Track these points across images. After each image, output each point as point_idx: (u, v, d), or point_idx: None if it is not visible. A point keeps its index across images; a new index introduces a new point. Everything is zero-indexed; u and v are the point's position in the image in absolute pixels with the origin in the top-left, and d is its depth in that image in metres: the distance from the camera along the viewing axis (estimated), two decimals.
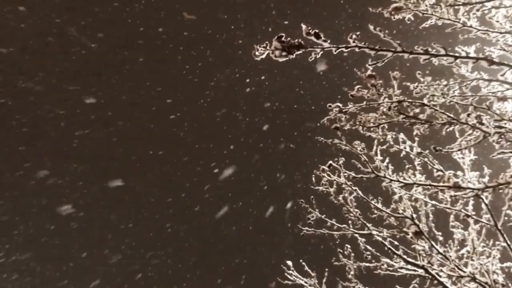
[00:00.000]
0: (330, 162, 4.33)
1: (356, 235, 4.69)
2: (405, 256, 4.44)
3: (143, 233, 17.93)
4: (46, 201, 17.15)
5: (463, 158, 4.42)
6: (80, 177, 17.23)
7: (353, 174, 4.12)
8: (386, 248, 4.49)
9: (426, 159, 4.30)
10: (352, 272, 4.92)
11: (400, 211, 4.38)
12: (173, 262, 17.84)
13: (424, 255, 4.35)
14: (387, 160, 4.21)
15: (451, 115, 3.66)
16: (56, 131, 16.90)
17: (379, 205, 4.49)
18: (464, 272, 4.12)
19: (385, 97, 3.52)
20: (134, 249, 17.82)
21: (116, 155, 17.42)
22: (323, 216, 4.80)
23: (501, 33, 3.62)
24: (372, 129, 3.78)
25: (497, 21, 3.70)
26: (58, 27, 15.94)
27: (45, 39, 16.01)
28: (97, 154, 17.34)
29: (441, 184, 3.56)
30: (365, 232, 4.61)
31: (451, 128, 3.75)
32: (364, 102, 3.55)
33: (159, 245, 17.84)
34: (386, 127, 3.81)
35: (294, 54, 2.37)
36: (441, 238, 4.56)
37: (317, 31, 2.40)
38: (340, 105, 3.48)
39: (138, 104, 17.32)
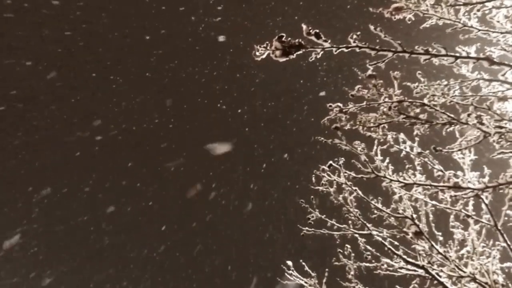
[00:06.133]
0: (330, 162, 4.33)
1: (356, 235, 4.69)
2: (405, 256, 4.43)
3: (141, 231, 17.94)
4: None
5: (463, 158, 4.41)
6: None
7: (353, 174, 4.12)
8: (386, 248, 4.49)
9: (426, 159, 4.29)
10: (352, 272, 4.92)
11: (400, 211, 4.37)
12: (171, 263, 17.85)
13: (424, 255, 4.34)
14: (387, 160, 4.21)
15: (452, 115, 3.66)
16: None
17: (379, 205, 4.49)
18: (464, 272, 4.12)
19: (385, 97, 3.52)
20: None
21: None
22: (323, 216, 4.79)
23: (501, 33, 3.62)
24: (372, 129, 3.78)
25: (498, 21, 3.69)
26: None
27: None
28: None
29: (441, 184, 3.56)
30: (365, 232, 4.61)
31: (451, 128, 3.75)
32: (365, 102, 3.55)
33: (155, 245, 17.86)
34: (386, 127, 3.81)
35: (295, 54, 2.37)
36: (441, 238, 4.55)
37: (317, 31, 2.39)
38: (341, 105, 3.48)
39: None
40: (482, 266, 4.14)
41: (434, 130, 3.74)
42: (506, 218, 4.03)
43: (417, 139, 4.25)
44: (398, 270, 4.58)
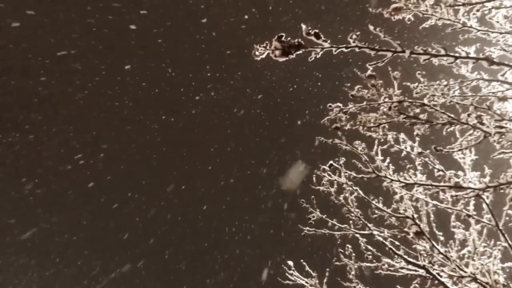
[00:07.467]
0: (331, 162, 4.35)
1: (357, 235, 4.69)
2: (406, 256, 4.44)
3: (141, 233, 17.96)
4: None
5: (463, 158, 4.41)
6: None
7: (354, 174, 4.13)
8: (387, 248, 4.49)
9: (427, 159, 4.30)
10: (353, 272, 4.92)
11: (401, 211, 4.37)
12: (172, 263, 17.86)
13: (425, 255, 4.35)
14: (387, 160, 4.22)
15: (452, 115, 3.66)
16: None
17: (380, 205, 4.49)
18: (465, 272, 4.12)
19: (385, 97, 3.53)
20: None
21: None
22: (324, 216, 4.80)
23: (501, 33, 3.62)
24: (372, 129, 3.78)
25: (497, 22, 3.70)
26: None
27: None
28: None
29: (442, 184, 3.56)
30: (366, 232, 4.61)
31: (451, 128, 3.75)
32: (365, 102, 3.56)
33: (158, 247, 17.88)
34: (387, 127, 3.81)
35: (294, 54, 2.38)
36: (442, 238, 4.55)
37: (317, 31, 2.41)
38: (341, 105, 3.49)
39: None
40: (483, 266, 4.14)
41: (434, 130, 3.74)
42: (507, 218, 4.03)
43: (417, 139, 4.26)
44: (399, 270, 4.58)
